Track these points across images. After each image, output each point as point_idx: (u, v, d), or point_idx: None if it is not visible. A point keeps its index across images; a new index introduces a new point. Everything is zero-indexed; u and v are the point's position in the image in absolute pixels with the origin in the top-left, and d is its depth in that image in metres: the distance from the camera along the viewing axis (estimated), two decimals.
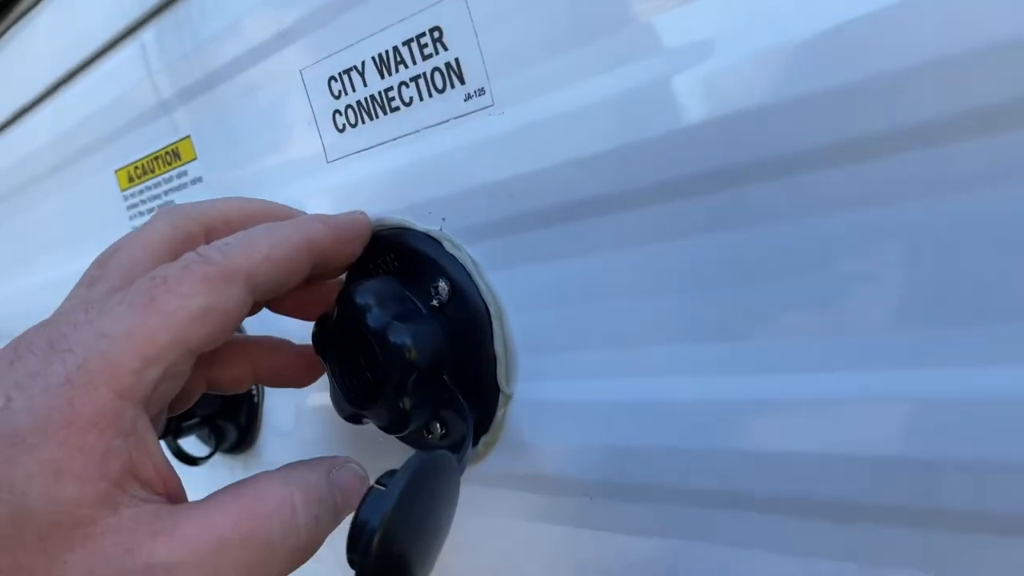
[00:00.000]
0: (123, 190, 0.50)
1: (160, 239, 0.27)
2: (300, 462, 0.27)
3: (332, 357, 0.33)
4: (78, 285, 0.27)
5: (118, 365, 0.22)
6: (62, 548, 0.21)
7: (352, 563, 0.24)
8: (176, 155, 0.45)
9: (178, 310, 0.23)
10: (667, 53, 0.24)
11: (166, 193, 0.46)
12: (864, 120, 0.21)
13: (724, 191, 0.24)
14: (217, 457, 0.48)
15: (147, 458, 0.23)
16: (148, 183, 0.47)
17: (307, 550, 0.25)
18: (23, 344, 0.23)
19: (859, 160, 0.21)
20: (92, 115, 0.49)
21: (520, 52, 0.28)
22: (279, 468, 0.26)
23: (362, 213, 0.31)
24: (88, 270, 0.27)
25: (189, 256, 0.25)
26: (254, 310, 0.30)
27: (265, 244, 0.26)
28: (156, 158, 0.46)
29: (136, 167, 0.48)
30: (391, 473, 0.26)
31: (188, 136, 0.43)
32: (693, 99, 0.24)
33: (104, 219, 0.52)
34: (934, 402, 0.21)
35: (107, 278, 0.26)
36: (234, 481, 0.25)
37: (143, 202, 0.48)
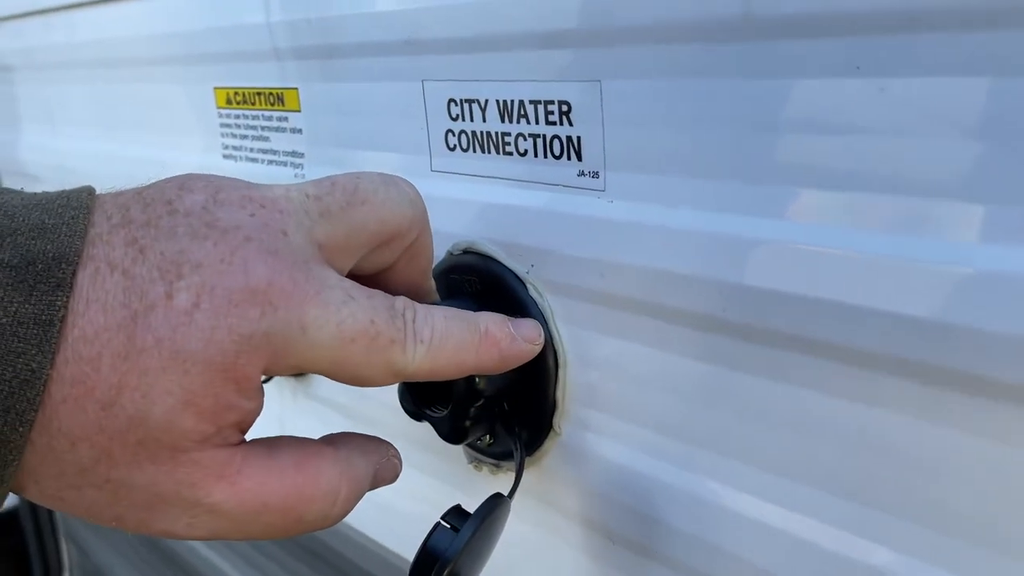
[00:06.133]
0: (219, 107, 0.51)
1: (390, 224, 0.28)
2: (359, 443, 0.29)
3: None
4: (310, 186, 0.27)
5: (286, 355, 0.24)
6: (147, 457, 0.23)
7: None
8: (280, 100, 0.46)
9: (350, 359, 0.25)
10: (768, 218, 0.27)
11: (263, 128, 0.48)
12: None
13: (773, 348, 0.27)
14: None
15: (255, 415, 0.25)
16: (246, 111, 0.49)
17: (322, 526, 0.27)
18: (234, 215, 0.24)
19: None
20: (202, 31, 0.50)
21: (642, 159, 0.30)
22: (341, 444, 0.28)
23: (540, 343, 0.32)
24: (320, 180, 0.28)
25: (407, 320, 0.27)
26: None
27: (443, 363, 0.28)
28: (259, 94, 0.48)
29: (237, 93, 0.50)
30: (458, 512, 0.30)
31: (296, 88, 0.45)
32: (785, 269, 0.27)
33: (196, 126, 0.54)
34: None
35: (331, 211, 0.27)
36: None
37: (237, 127, 0.50)
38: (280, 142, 0.47)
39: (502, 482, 0.39)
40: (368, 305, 0.26)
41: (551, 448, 0.36)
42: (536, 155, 0.34)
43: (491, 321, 0.30)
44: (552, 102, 0.32)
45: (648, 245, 0.30)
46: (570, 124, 0.32)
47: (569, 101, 0.32)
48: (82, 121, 0.68)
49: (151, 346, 0.23)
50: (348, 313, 0.25)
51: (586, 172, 0.32)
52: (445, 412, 0.35)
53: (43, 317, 0.22)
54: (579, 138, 0.32)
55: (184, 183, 0.26)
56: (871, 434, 0.26)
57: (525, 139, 0.34)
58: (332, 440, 0.29)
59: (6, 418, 0.22)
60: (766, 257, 0.27)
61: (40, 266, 0.23)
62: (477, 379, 0.34)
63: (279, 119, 0.47)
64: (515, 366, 0.31)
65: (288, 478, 0.26)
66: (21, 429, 0.22)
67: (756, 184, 0.27)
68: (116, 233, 0.24)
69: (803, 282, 0.26)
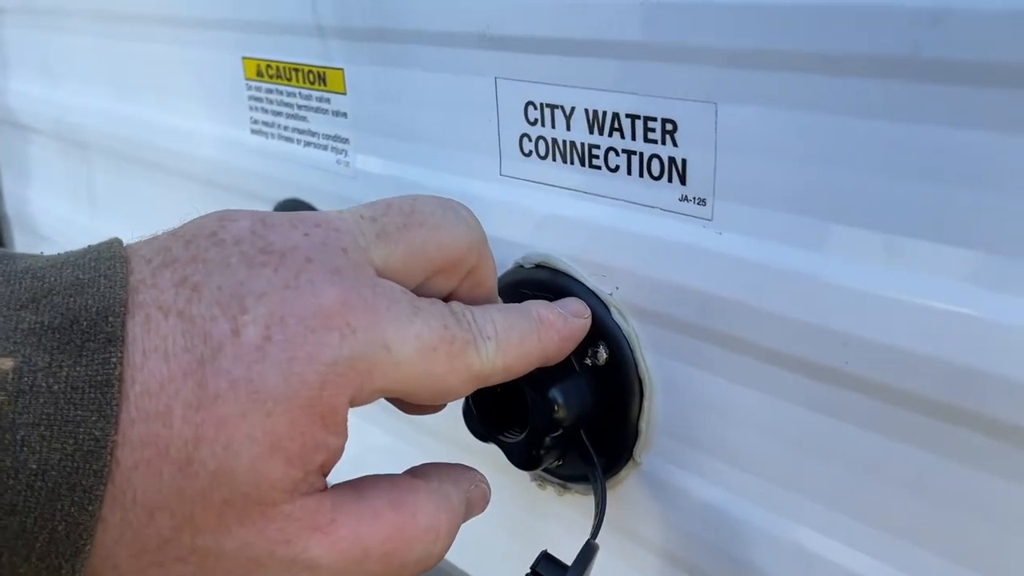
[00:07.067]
0: (247, 79, 0.48)
1: (448, 250, 0.27)
2: (448, 473, 0.27)
3: None
4: (364, 209, 0.26)
5: (372, 379, 0.22)
6: (236, 519, 0.21)
7: None
8: (322, 79, 0.43)
9: (434, 370, 0.24)
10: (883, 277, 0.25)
11: (299, 107, 0.45)
12: None
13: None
14: None
15: (339, 455, 0.23)
16: (280, 87, 0.46)
17: (426, 568, 0.26)
18: (288, 236, 0.23)
19: None
20: None
21: (760, 192, 0.27)
22: (432, 476, 0.26)
23: (588, 317, 0.31)
24: (374, 203, 0.26)
25: (469, 320, 0.25)
26: None
27: (513, 357, 0.26)
28: (296, 70, 0.44)
29: (269, 66, 0.46)
30: (548, 561, 0.29)
31: (341, 69, 0.41)
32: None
33: (219, 95, 0.50)
34: None
35: (387, 232, 0.25)
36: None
37: (269, 102, 0.47)
38: (320, 124, 0.44)
39: (567, 503, 0.38)
40: (435, 311, 0.25)
41: (627, 477, 0.35)
42: (629, 172, 0.31)
43: (540, 306, 0.29)
44: (654, 119, 0.29)
45: (761, 284, 0.28)
46: (674, 144, 0.29)
47: (675, 120, 0.29)
48: (87, 75, 0.64)
49: (225, 390, 0.21)
50: (422, 323, 0.24)
51: (690, 198, 0.29)
52: (519, 438, 0.33)
53: (98, 378, 0.20)
54: (684, 160, 0.29)
55: (224, 215, 0.24)
56: (996, 507, 0.24)
57: (617, 154, 0.31)
58: (420, 473, 0.27)
59: (72, 497, 0.20)
60: (898, 314, 0.25)
61: (85, 323, 0.20)
62: (556, 407, 0.32)
63: (319, 99, 0.43)
64: (573, 347, 0.30)
65: (385, 520, 0.24)
66: (91, 508, 0.20)
67: (890, 235, 0.25)
68: (160, 275, 0.22)
69: (937, 343, 0.24)
